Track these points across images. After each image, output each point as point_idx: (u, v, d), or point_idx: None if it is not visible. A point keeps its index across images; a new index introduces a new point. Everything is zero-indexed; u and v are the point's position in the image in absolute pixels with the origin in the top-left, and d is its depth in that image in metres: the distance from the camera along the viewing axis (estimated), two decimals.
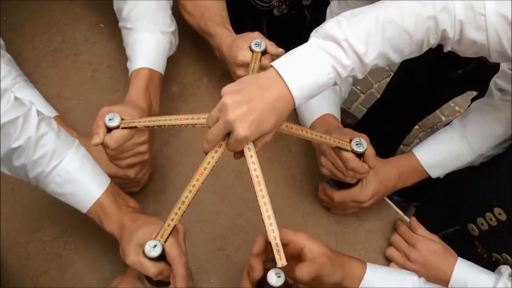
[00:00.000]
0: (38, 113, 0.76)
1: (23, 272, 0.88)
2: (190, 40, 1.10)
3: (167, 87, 1.06)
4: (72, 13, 1.14)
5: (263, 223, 0.70)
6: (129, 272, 0.78)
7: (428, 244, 0.88)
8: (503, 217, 0.84)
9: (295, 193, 0.99)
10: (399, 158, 0.98)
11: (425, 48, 0.72)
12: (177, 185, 0.98)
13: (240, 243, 0.94)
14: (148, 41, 0.92)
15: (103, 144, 0.81)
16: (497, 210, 0.84)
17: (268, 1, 1.11)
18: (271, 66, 0.69)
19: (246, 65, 0.88)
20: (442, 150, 0.95)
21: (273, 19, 1.17)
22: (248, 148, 0.70)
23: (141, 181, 0.92)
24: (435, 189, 1.34)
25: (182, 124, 0.77)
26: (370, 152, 0.85)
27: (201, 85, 1.09)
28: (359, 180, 0.91)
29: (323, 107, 0.95)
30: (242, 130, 0.66)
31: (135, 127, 0.81)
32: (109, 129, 0.80)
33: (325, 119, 0.94)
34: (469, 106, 0.99)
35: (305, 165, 1.02)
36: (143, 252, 0.71)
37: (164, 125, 0.80)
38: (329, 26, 0.69)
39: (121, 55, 1.08)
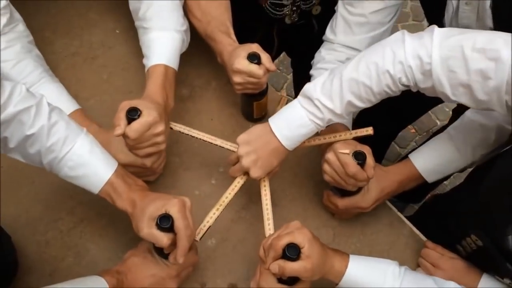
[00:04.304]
0: (49, 104, 0.79)
1: (42, 258, 0.91)
2: (199, 46, 1.12)
3: (178, 89, 1.08)
4: (89, 19, 1.17)
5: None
6: (140, 246, 0.82)
7: (451, 263, 0.91)
8: (480, 243, 0.85)
9: (296, 189, 1.02)
10: (399, 166, 0.98)
11: (394, 94, 0.82)
12: (186, 180, 1.01)
13: (245, 234, 0.97)
14: (163, 40, 0.95)
15: (124, 135, 0.84)
16: (473, 237, 0.86)
17: (281, 10, 1.14)
18: (269, 121, 0.87)
19: (241, 72, 0.91)
20: (438, 158, 0.96)
21: (283, 28, 1.20)
22: (263, 180, 0.92)
23: (156, 170, 0.95)
24: (424, 206, 1.35)
25: (212, 143, 0.94)
26: (370, 162, 0.87)
27: (209, 88, 1.12)
28: (360, 188, 0.93)
29: None
30: (254, 173, 0.88)
31: (171, 128, 0.95)
32: (129, 121, 0.84)
33: (334, 127, 0.96)
34: (463, 111, 0.99)
35: (306, 164, 1.05)
36: (156, 223, 0.75)
37: (196, 137, 0.95)
38: (308, 87, 0.84)
39: (134, 59, 1.12)
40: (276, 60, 2.18)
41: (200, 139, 0.94)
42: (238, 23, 1.04)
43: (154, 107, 0.86)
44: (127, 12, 1.03)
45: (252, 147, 0.87)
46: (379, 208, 1.01)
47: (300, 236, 0.76)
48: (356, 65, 0.80)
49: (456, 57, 0.72)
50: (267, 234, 0.84)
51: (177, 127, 0.96)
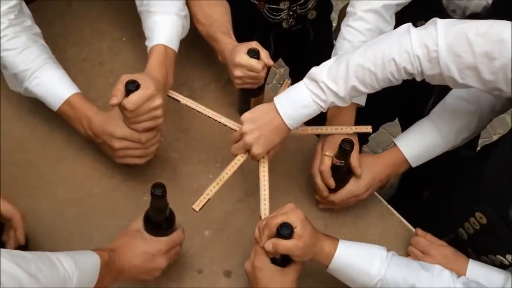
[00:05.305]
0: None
1: (50, 246, 0.95)
2: (200, 51, 1.19)
3: (179, 91, 1.13)
4: (98, 28, 1.25)
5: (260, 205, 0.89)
6: (130, 227, 0.85)
7: (440, 250, 0.93)
8: (484, 220, 0.88)
9: (289, 182, 1.06)
10: (388, 153, 1.02)
11: (397, 82, 0.86)
12: (186, 174, 1.06)
13: (240, 225, 1.01)
14: (165, 22, 1.00)
15: (122, 107, 0.89)
16: (478, 214, 0.89)
17: (278, 14, 1.20)
18: (273, 100, 0.90)
19: (241, 66, 0.96)
20: (422, 143, 0.99)
21: (280, 33, 1.26)
22: (263, 157, 0.94)
23: (149, 151, 0.97)
24: (422, 198, 1.38)
25: (216, 120, 0.99)
26: (355, 154, 0.95)
27: (209, 89, 1.18)
28: (347, 179, 0.98)
29: None
30: (256, 149, 0.90)
31: (178, 101, 0.99)
32: (127, 93, 0.88)
33: (341, 115, 1.01)
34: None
35: (299, 159, 1.09)
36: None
37: (202, 113, 0.98)
38: (314, 70, 0.89)
39: (139, 64, 1.18)
40: (277, 75, 2.25)
41: (206, 115, 0.99)
42: (237, 26, 1.10)
43: (153, 82, 0.90)
44: (132, 22, 1.11)
45: (256, 124, 0.90)
46: (369, 201, 1.05)
47: (293, 216, 0.80)
48: (363, 52, 0.85)
49: (462, 43, 0.77)
50: (262, 214, 0.88)
51: (185, 100, 1.00)
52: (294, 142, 1.11)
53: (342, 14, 1.41)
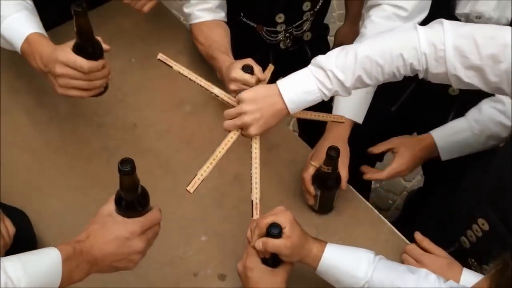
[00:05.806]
0: None
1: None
2: (201, 68, 1.25)
3: (182, 106, 1.22)
4: (109, 51, 1.34)
5: (251, 186, 0.92)
6: (99, 213, 0.78)
7: (434, 260, 0.94)
8: (486, 227, 0.89)
9: (282, 191, 1.10)
10: (424, 139, 1.12)
11: (399, 77, 0.88)
12: (186, 182, 1.07)
13: (235, 231, 1.05)
14: None
15: None
16: (480, 221, 0.90)
17: (275, 36, 1.28)
18: (276, 83, 0.91)
19: (236, 81, 1.02)
20: (454, 140, 1.08)
21: (279, 53, 1.33)
22: (255, 142, 0.95)
23: (92, 84, 0.96)
24: (425, 206, 1.40)
25: (209, 90, 1.01)
26: (344, 167, 1.02)
27: (210, 104, 1.24)
28: (337, 183, 1.02)
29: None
30: (253, 130, 0.91)
31: (171, 66, 1.01)
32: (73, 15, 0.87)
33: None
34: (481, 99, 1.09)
35: (292, 168, 1.14)
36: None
37: (194, 81, 1.01)
38: (320, 58, 0.88)
39: (146, 83, 1.26)
40: None
41: (198, 83, 1.00)
42: (238, 48, 1.17)
43: None
44: (140, 45, 1.21)
45: (257, 105, 0.90)
46: (360, 208, 1.08)
47: (282, 217, 0.85)
48: (371, 45, 0.87)
49: (469, 44, 0.80)
50: (253, 198, 0.91)
51: (177, 67, 1.01)
52: (288, 154, 1.16)
53: (338, 34, 1.49)
